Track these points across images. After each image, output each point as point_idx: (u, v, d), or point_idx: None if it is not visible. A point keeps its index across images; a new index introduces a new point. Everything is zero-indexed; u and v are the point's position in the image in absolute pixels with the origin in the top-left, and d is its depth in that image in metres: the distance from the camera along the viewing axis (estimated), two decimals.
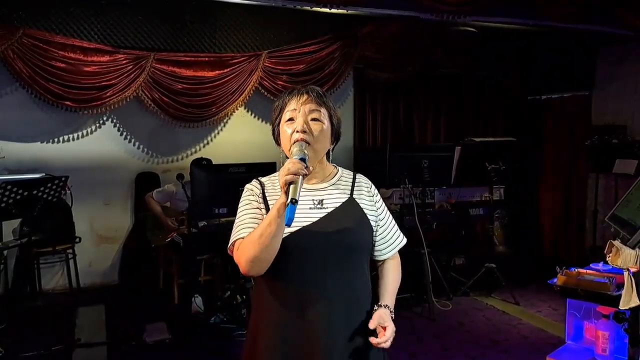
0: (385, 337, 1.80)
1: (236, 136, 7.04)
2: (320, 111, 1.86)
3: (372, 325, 1.82)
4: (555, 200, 8.10)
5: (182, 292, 5.82)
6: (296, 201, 1.58)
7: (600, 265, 3.01)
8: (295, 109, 1.85)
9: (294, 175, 1.61)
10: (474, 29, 6.46)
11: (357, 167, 7.39)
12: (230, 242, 1.85)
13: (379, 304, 1.94)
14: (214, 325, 5.16)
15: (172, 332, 4.97)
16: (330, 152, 1.94)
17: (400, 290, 2.12)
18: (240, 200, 1.91)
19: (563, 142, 7.98)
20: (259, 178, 1.96)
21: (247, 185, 1.94)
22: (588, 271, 2.83)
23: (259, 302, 1.92)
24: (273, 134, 1.96)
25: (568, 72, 7.84)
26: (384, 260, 2.07)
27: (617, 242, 2.26)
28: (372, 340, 1.80)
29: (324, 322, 1.79)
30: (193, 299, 5.51)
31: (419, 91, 7.95)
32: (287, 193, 1.60)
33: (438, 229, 6.24)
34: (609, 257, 2.23)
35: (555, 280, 2.83)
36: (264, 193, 1.90)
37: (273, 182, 1.93)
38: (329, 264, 1.81)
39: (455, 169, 6.21)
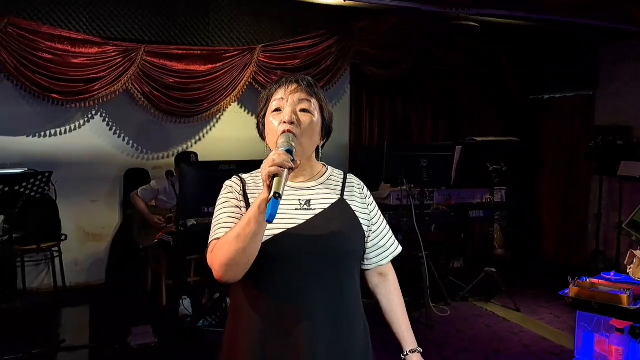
0: None
1: (228, 133, 6.84)
2: (310, 102, 1.68)
3: None
4: (557, 203, 7.92)
5: (171, 293, 5.61)
6: (280, 196, 1.38)
7: (612, 275, 2.81)
8: (282, 98, 1.66)
9: (278, 168, 1.42)
10: (475, 24, 6.25)
11: (353, 166, 7.22)
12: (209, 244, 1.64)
13: (410, 350, 1.81)
14: (201, 329, 4.97)
15: (158, 336, 4.78)
16: (320, 149, 1.77)
17: None
18: (218, 199, 1.71)
19: (566, 143, 7.80)
20: (240, 174, 1.77)
21: (227, 182, 1.75)
22: (601, 281, 2.61)
23: (237, 310, 1.70)
24: (258, 127, 1.78)
25: (571, 71, 7.66)
26: (380, 274, 1.89)
27: (639, 252, 2.06)
28: None
29: (309, 341, 1.59)
30: (181, 301, 5.32)
31: (418, 89, 7.78)
32: (269, 187, 1.41)
33: (437, 231, 6.04)
34: (630, 268, 2.03)
35: (567, 291, 2.61)
36: (244, 190, 1.71)
37: (255, 179, 1.74)
38: (315, 272, 1.61)
39: (455, 170, 6.01)
